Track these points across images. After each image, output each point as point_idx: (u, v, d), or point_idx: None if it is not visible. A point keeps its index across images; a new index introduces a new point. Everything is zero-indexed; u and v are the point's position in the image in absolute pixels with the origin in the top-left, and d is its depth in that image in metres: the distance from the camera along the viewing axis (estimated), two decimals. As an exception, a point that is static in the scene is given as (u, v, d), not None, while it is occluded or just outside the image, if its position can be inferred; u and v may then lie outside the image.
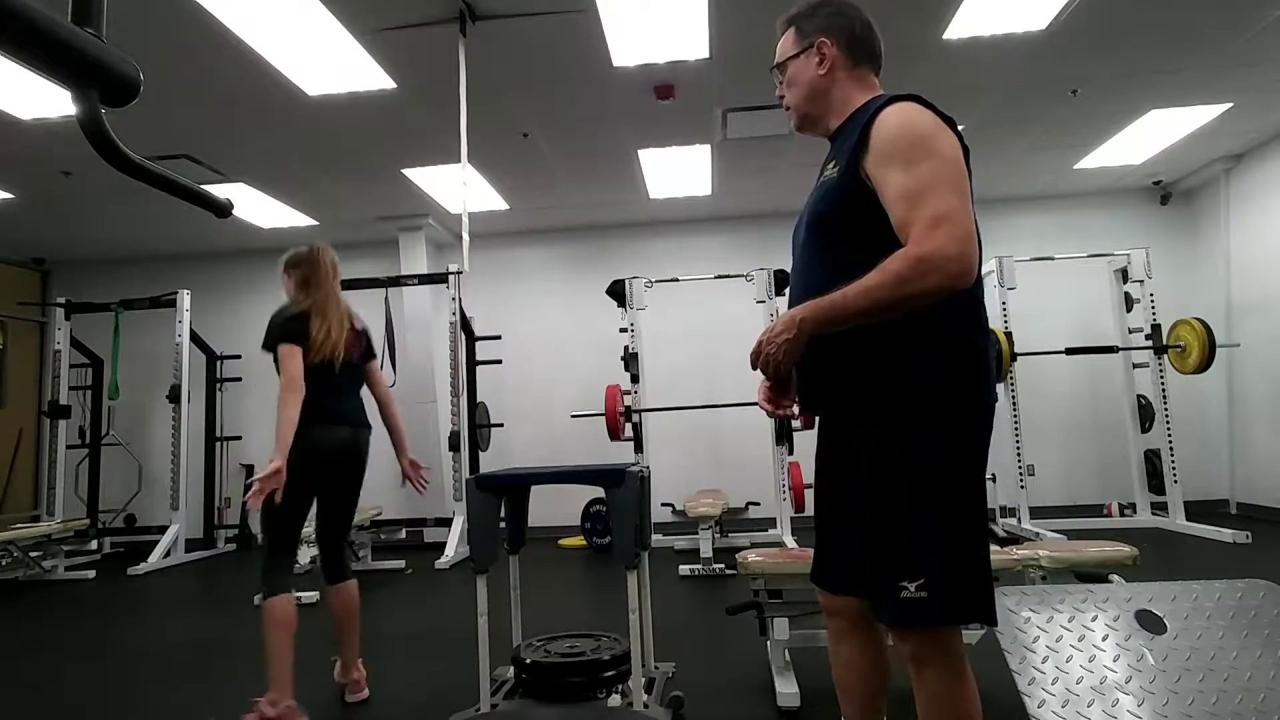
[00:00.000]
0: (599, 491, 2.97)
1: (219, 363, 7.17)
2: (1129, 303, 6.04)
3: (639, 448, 5.55)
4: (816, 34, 1.50)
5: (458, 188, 5.21)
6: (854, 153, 1.38)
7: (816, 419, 1.62)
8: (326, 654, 2.96)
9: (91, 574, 5.66)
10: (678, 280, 5.81)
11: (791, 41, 1.55)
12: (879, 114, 1.37)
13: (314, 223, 6.72)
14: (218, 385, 7.19)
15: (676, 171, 5.91)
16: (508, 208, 6.56)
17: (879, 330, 1.35)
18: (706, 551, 4.79)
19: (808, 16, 1.53)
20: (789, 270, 1.69)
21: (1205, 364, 5.33)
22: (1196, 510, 5.70)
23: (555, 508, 5.64)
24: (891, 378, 1.38)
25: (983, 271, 1.40)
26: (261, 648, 2.41)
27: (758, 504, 6.44)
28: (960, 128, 1.39)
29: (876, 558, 1.39)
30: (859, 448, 1.44)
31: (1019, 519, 5.63)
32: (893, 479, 1.37)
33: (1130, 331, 6.06)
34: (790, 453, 5.49)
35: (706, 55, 4.07)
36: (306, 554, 4.62)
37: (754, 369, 1.42)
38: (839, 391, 1.47)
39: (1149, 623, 1.91)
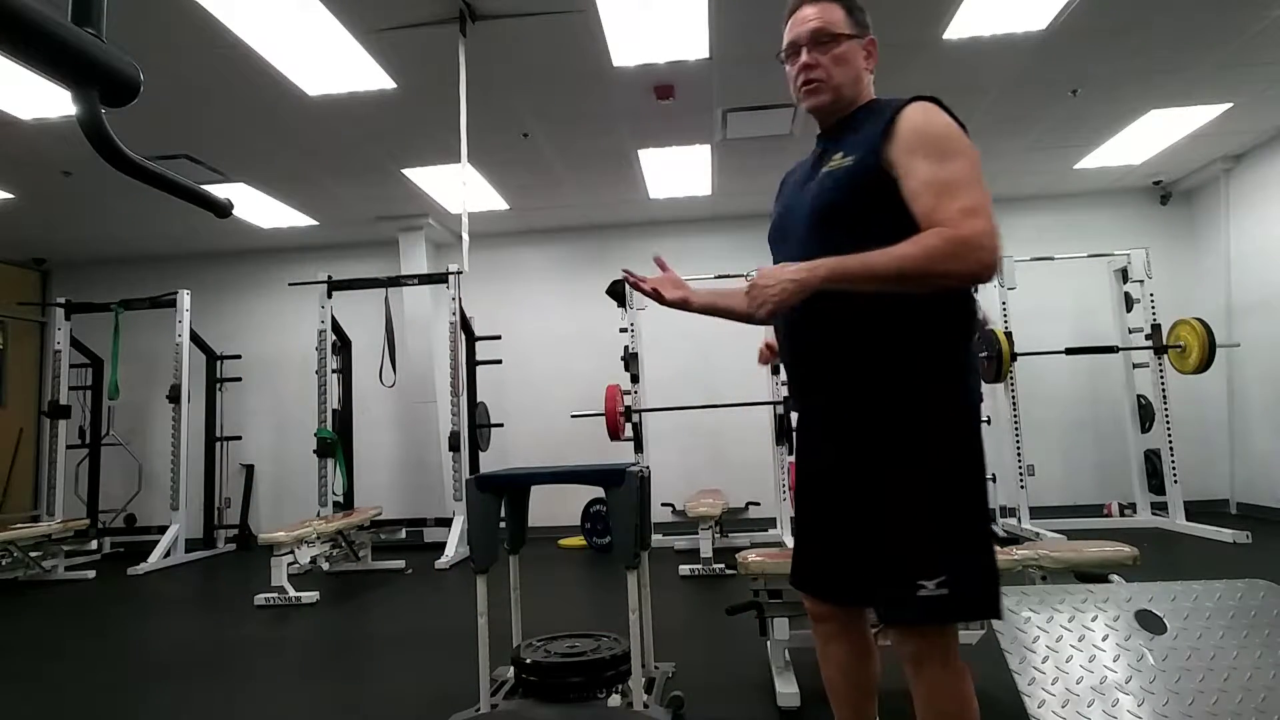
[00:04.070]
0: (599, 491, 2.96)
1: (219, 363, 7.16)
2: (1129, 303, 6.04)
3: (639, 448, 5.55)
4: (867, 31, 1.52)
5: (458, 188, 5.21)
6: (878, 140, 1.38)
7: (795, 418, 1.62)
8: (326, 655, 2.96)
9: (91, 574, 5.66)
10: (678, 280, 5.81)
11: (842, 19, 1.50)
12: (906, 106, 1.39)
13: (314, 223, 6.72)
14: (218, 385, 7.19)
15: (676, 171, 5.90)
16: (508, 208, 6.56)
17: (881, 325, 1.37)
18: (706, 551, 4.79)
19: (859, 8, 1.52)
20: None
21: (1205, 364, 5.32)
22: (1196, 510, 5.71)
23: (555, 508, 5.65)
24: (894, 376, 1.38)
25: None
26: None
27: (758, 504, 6.44)
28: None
29: (884, 560, 1.37)
30: (858, 447, 1.42)
31: (1019, 519, 5.63)
32: (901, 478, 1.36)
33: (1130, 331, 6.06)
34: (790, 453, 5.49)
35: (706, 55, 4.07)
36: (306, 554, 4.63)
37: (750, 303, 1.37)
38: (839, 386, 1.45)
39: (1149, 623, 1.91)
